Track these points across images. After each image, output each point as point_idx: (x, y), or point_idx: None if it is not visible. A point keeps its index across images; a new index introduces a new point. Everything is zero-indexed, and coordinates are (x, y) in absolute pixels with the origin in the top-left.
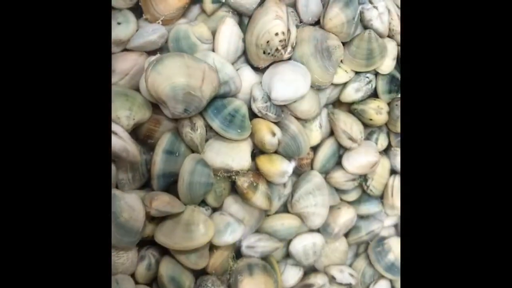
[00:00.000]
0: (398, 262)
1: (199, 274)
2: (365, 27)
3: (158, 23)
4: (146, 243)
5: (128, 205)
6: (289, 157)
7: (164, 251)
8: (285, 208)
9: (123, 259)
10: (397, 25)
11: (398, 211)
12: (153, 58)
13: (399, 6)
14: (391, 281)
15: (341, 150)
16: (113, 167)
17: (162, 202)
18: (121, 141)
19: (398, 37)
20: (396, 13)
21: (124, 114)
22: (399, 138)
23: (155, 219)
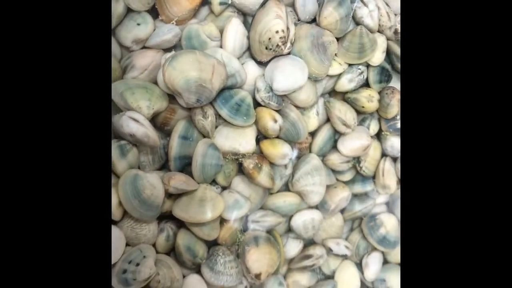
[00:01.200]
0: (389, 236)
1: (211, 244)
2: (357, 23)
3: (173, 23)
4: (165, 217)
5: (150, 183)
6: (290, 142)
7: (181, 224)
8: (286, 187)
9: (145, 231)
10: (386, 21)
11: (389, 190)
12: (169, 55)
13: (388, 3)
14: (383, 253)
15: (336, 135)
16: (135, 150)
17: (179, 180)
18: (142, 128)
19: (387, 32)
20: (385, 10)
21: (144, 104)
22: (389, 123)
23: (173, 196)
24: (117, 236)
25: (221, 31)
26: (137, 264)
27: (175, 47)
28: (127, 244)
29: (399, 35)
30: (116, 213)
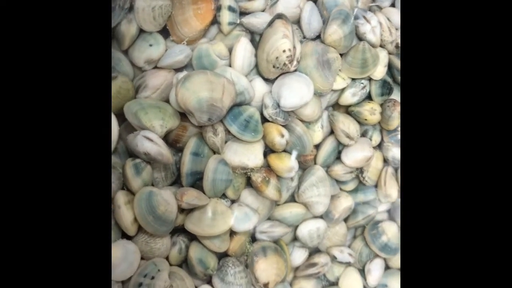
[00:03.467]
0: (390, 243)
1: (222, 256)
2: (360, 39)
3: (183, 43)
4: (177, 230)
5: (164, 199)
6: (298, 156)
7: (192, 237)
8: (292, 198)
9: (159, 245)
10: (387, 36)
11: (390, 199)
12: (181, 75)
13: (389, 18)
14: (384, 259)
15: (340, 147)
16: (149, 168)
17: (191, 196)
18: (156, 147)
19: (389, 46)
20: (386, 25)
21: (158, 123)
22: (391, 135)
23: (185, 211)
24: (132, 251)
25: (230, 50)
26: (152, 278)
27: (186, 66)
28: (142, 258)
29: (400, 50)
30: (131, 228)
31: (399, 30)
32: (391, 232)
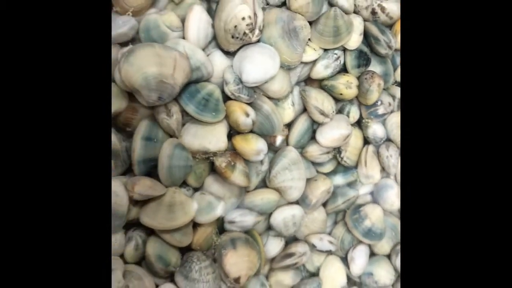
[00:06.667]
0: (375, 228)
1: (185, 250)
2: (331, 4)
3: (128, 14)
4: (132, 225)
5: (112, 190)
6: (264, 137)
7: (150, 232)
8: (264, 184)
9: (111, 242)
10: (362, 1)
11: (373, 179)
12: (125, 49)
13: None
14: (369, 245)
15: (314, 125)
16: None
17: (143, 186)
18: None
19: (364, 12)
20: None
21: None
22: (370, 110)
23: (139, 202)
24: None
25: (183, 21)
26: None
27: (132, 40)
28: None
29: (377, 16)
30: None
31: None
32: (375, 215)
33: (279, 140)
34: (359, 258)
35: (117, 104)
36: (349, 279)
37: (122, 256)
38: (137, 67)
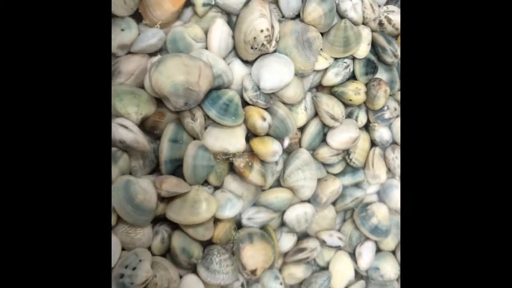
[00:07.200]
0: (381, 225)
1: (206, 244)
2: (341, 17)
3: (157, 27)
4: (159, 220)
5: (142, 188)
6: (279, 138)
7: (175, 226)
8: (278, 183)
9: (140, 235)
10: (370, 13)
11: (379, 180)
12: (155, 59)
13: None
14: (375, 242)
15: (325, 129)
16: (126, 156)
17: (170, 184)
18: (132, 134)
19: (372, 23)
20: (368, 2)
21: (133, 110)
22: (377, 115)
23: (165, 199)
24: (113, 242)
25: (206, 32)
26: (134, 268)
27: (160, 50)
28: (123, 249)
29: (384, 27)
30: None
31: (383, 6)
32: (381, 214)
33: (286, 142)
34: (366, 254)
35: (147, 109)
36: (357, 273)
37: (149, 248)
38: (166, 76)
